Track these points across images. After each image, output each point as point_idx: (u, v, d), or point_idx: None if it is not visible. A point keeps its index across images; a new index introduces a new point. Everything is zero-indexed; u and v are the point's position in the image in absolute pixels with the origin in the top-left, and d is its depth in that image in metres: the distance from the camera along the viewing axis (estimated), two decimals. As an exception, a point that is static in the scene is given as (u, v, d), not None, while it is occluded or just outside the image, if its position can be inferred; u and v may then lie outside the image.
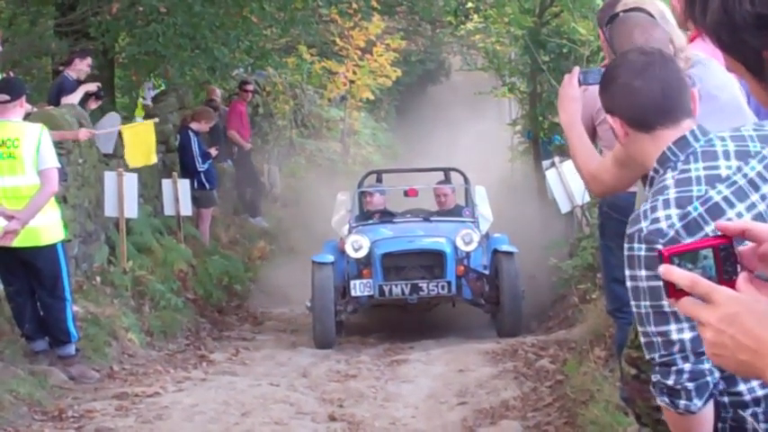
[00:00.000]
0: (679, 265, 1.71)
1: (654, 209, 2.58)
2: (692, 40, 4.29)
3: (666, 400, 2.67)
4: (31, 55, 13.34)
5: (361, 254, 10.85)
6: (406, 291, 10.61)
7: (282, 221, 14.37)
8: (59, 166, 8.03)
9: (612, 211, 5.08)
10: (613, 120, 2.85)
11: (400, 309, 11.34)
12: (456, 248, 10.83)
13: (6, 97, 7.81)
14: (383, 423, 7.20)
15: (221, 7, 12.85)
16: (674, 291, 1.70)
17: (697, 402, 2.62)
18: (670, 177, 2.63)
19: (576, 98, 3.94)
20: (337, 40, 20.53)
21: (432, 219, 11.83)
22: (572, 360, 8.17)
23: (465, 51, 22.91)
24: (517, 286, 10.55)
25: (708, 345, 1.64)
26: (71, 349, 8.16)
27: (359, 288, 10.69)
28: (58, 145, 9.19)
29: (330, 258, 10.81)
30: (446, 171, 13.05)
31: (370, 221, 11.80)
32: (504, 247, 10.87)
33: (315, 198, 14.89)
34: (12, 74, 10.43)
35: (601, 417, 6.01)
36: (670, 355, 2.61)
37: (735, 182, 2.54)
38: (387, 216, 11.99)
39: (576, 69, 3.99)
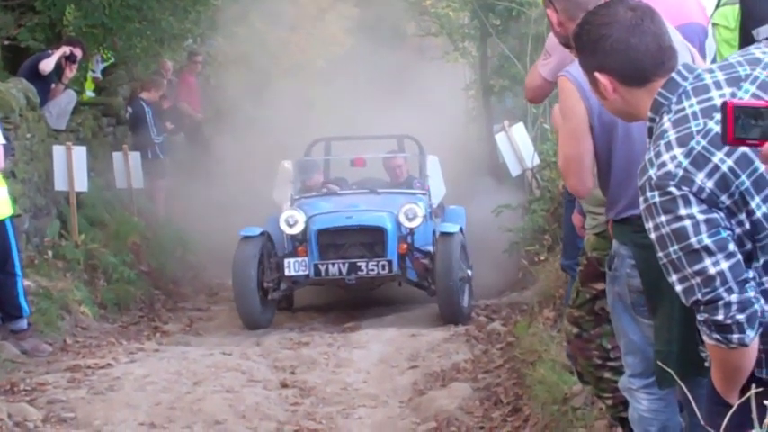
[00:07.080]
0: (741, 119, 2.21)
1: (658, 154, 2.60)
2: None
3: (718, 336, 2.62)
4: (-25, 29, 13.18)
5: (297, 230, 10.17)
6: (344, 270, 9.88)
7: (235, 192, 14.30)
8: (5, 142, 8.00)
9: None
10: (602, 77, 2.83)
11: (341, 289, 10.66)
12: (399, 224, 10.14)
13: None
14: (334, 388, 7.27)
15: (167, -23, 12.77)
16: (733, 138, 2.26)
17: (750, 333, 2.60)
18: (667, 121, 2.65)
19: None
20: (289, 8, 20.39)
21: (379, 191, 11.13)
22: (522, 322, 8.26)
23: (418, 17, 22.84)
24: (453, 272, 9.64)
25: None
26: (23, 323, 8.19)
27: (293, 267, 9.94)
28: (5, 120, 9.16)
29: (256, 231, 10.09)
30: (399, 138, 12.30)
31: (313, 194, 11.12)
32: (446, 228, 10.17)
33: (266, 168, 14.82)
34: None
35: (547, 376, 6.10)
36: (713, 290, 2.58)
37: None
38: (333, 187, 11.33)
39: None
